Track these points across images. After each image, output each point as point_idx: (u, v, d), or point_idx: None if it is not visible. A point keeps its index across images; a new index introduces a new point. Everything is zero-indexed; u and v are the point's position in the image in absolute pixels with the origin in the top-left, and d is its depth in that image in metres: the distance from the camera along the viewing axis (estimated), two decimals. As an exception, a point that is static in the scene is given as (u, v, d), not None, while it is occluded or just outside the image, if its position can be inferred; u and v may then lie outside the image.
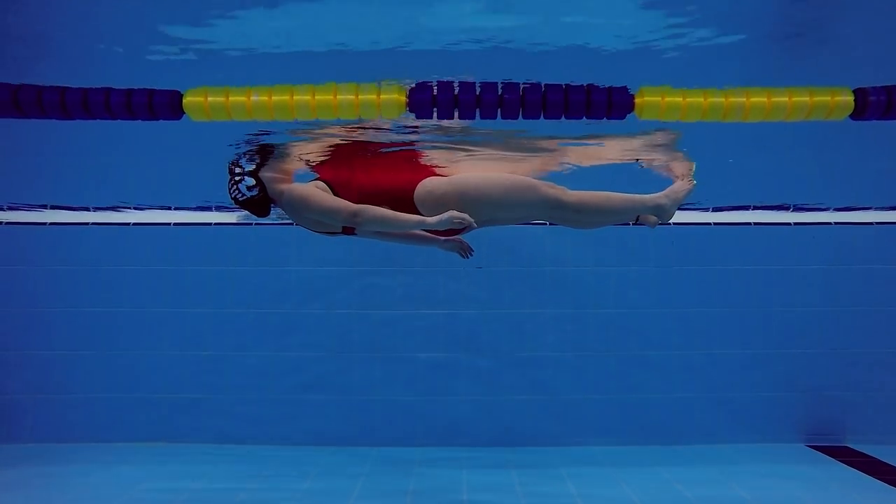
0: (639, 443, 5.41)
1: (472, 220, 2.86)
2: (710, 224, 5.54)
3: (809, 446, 5.37)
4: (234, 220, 5.60)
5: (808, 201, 5.41)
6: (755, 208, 5.49)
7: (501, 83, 2.38)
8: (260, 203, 3.15)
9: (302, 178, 3.35)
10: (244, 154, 3.25)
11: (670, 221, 3.42)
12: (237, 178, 3.09)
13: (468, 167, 3.40)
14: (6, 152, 4.11)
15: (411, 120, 2.77)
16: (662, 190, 3.32)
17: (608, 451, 5.26)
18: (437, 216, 2.86)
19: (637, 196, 3.20)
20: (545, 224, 5.01)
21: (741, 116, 2.46)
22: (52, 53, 2.74)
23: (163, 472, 4.72)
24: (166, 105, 2.36)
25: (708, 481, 4.54)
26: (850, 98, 2.42)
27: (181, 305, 5.52)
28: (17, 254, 5.52)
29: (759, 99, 2.42)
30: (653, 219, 3.29)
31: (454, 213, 2.84)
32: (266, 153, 3.28)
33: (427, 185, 3.07)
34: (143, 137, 3.42)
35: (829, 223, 5.53)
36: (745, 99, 2.43)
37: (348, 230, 3.18)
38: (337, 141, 3.28)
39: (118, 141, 3.82)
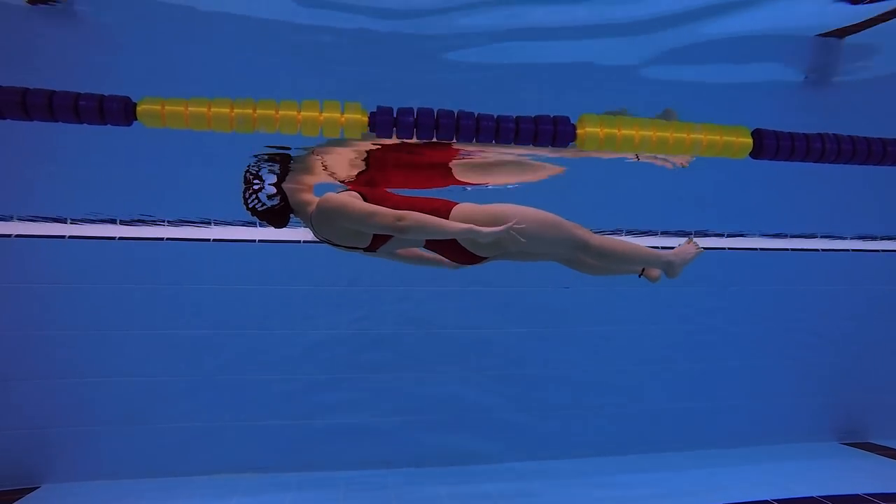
0: (671, 449, 5.79)
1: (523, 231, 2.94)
2: (755, 249, 6.16)
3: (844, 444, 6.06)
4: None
5: (832, 231, 6.23)
6: (792, 237, 6.22)
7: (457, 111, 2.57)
8: (280, 213, 3.05)
9: (323, 190, 3.19)
10: (264, 162, 3.10)
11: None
12: (256, 187, 2.97)
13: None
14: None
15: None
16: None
17: (635, 459, 5.57)
18: (494, 228, 2.89)
19: (653, 250, 3.49)
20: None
21: (665, 150, 2.73)
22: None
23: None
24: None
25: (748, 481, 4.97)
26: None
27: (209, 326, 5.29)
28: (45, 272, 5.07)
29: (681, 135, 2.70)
30: (656, 273, 3.61)
31: (511, 226, 2.90)
32: (287, 162, 3.13)
33: (464, 208, 3.09)
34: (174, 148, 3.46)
35: (847, 250, 6.26)
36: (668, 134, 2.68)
37: (372, 247, 3.10)
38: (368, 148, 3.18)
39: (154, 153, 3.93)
